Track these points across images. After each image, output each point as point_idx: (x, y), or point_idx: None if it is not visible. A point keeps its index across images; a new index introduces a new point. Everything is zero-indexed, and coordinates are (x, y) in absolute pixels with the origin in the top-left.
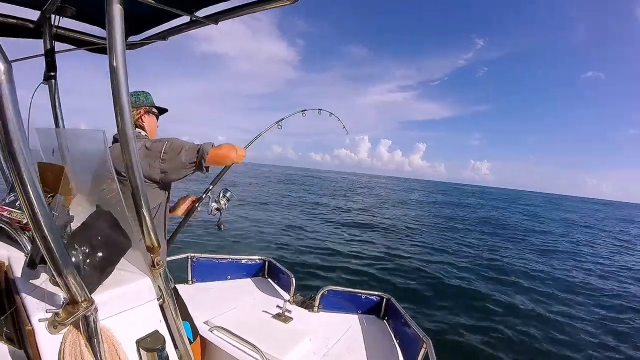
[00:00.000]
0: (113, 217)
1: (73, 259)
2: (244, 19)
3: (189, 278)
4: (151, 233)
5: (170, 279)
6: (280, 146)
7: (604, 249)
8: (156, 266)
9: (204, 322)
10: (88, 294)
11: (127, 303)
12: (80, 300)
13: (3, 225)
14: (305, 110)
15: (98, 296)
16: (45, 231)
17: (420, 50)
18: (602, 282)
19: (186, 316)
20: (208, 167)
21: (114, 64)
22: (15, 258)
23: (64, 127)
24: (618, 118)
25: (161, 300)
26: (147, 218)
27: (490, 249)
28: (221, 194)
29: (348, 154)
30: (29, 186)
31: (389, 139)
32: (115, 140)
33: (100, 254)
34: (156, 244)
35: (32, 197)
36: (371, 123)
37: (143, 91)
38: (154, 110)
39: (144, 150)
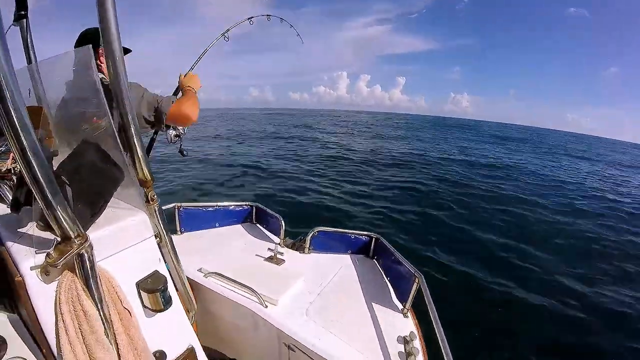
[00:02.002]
0: (101, 148)
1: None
2: None
3: (177, 228)
4: (143, 165)
5: None
6: (257, 88)
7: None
8: (151, 202)
9: (197, 270)
10: (81, 228)
11: (124, 241)
12: (73, 236)
13: None
14: (252, 17)
15: (91, 235)
16: (30, 155)
17: None
18: None
19: None
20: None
21: None
22: None
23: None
24: (598, 56)
25: (158, 239)
26: (139, 148)
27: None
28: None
29: (327, 91)
30: (9, 101)
31: (367, 74)
32: None
33: (91, 188)
34: (149, 177)
35: (14, 116)
36: (349, 59)
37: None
38: None
39: None
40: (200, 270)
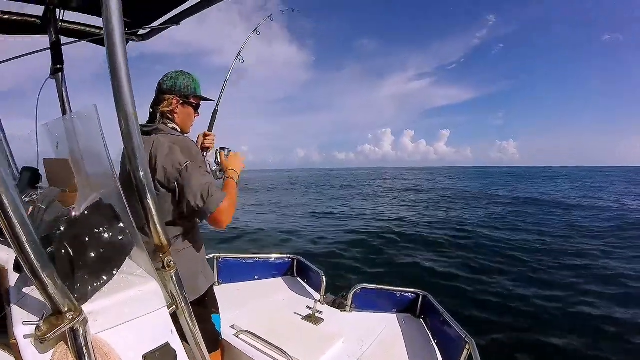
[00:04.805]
0: (113, 211)
1: (60, 261)
2: (252, 27)
3: (215, 279)
4: (159, 228)
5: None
6: (304, 149)
7: None
8: (167, 268)
9: (230, 326)
10: (75, 302)
11: (131, 312)
12: (64, 311)
13: None
14: (257, 28)
15: (94, 304)
16: (17, 226)
17: (432, 35)
18: None
19: (217, 309)
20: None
21: (112, 48)
22: None
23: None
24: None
25: (174, 307)
26: (154, 210)
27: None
28: (219, 153)
29: (372, 149)
30: None
31: (411, 130)
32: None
33: (95, 255)
34: (165, 242)
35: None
36: (392, 116)
37: (184, 73)
38: (192, 101)
39: (171, 149)
40: (233, 326)
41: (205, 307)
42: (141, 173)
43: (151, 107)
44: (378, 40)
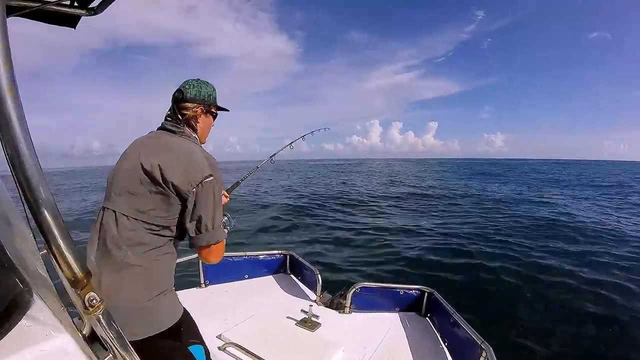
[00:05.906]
0: None
1: None
2: (242, 17)
3: (202, 280)
4: (66, 255)
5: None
6: (292, 139)
7: None
8: (90, 309)
9: (217, 337)
10: None
11: None
12: None
13: None
14: (292, 142)
15: None
16: None
17: (421, 28)
18: None
19: (198, 338)
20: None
21: None
22: None
23: None
24: (626, 77)
25: (109, 355)
26: (56, 232)
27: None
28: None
29: (360, 141)
30: None
31: (399, 122)
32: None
33: None
34: (80, 273)
35: None
36: (380, 107)
37: (205, 82)
38: (213, 110)
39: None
40: (219, 337)
41: (179, 339)
42: (33, 182)
43: (169, 116)
44: (366, 32)
